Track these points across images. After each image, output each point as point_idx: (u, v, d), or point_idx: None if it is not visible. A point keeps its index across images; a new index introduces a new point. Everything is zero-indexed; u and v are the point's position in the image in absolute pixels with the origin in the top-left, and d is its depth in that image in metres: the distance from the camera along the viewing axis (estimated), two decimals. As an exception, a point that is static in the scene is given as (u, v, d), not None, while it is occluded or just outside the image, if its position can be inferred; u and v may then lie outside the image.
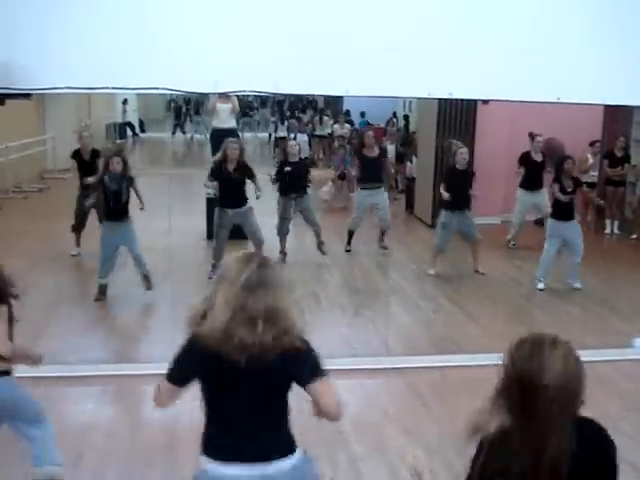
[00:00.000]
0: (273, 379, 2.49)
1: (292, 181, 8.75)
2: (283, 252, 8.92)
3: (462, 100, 9.50)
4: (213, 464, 2.52)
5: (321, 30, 5.14)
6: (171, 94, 13.11)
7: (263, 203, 8.16)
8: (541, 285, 7.94)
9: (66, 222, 8.86)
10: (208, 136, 14.95)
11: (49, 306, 6.91)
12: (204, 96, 14.43)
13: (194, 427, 2.75)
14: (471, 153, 9.30)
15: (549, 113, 9.32)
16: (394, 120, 18.48)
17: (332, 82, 5.34)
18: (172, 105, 25.02)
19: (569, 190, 7.74)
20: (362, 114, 19.28)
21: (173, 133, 23.67)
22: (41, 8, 4.95)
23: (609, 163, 10.76)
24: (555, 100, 5.61)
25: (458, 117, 10.94)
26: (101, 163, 7.38)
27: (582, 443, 1.86)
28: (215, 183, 8.15)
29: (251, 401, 2.50)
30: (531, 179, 9.50)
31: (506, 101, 6.18)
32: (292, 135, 16.93)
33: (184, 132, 23.10)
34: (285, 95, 18.28)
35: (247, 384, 2.47)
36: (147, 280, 7.42)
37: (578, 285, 7.94)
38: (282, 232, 8.87)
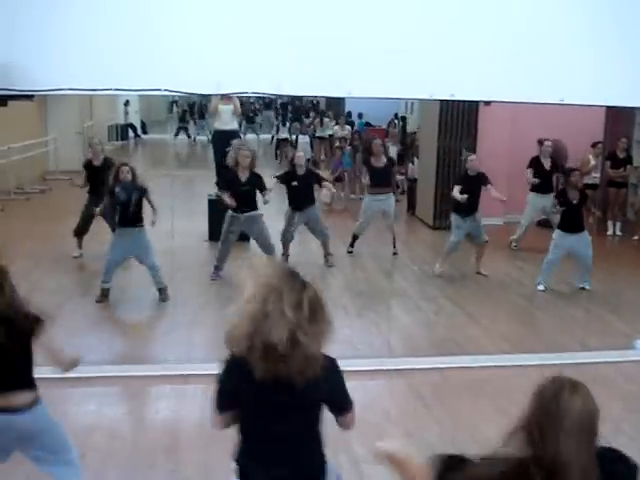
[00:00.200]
0: (305, 403, 2.47)
1: (299, 195, 8.76)
2: (285, 255, 8.92)
3: (464, 102, 9.52)
4: None
5: (324, 32, 5.16)
6: (173, 96, 13.10)
7: (269, 206, 8.15)
8: (541, 287, 7.95)
9: (68, 223, 8.85)
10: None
11: (51, 307, 6.88)
12: (206, 98, 14.41)
13: (196, 429, 2.75)
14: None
15: (551, 114, 9.35)
16: (396, 122, 18.50)
17: (335, 83, 5.35)
18: (176, 109, 24.98)
19: (574, 202, 7.72)
20: (360, 115, 19.29)
21: (176, 135, 23.65)
22: (42, 9, 4.97)
23: (611, 164, 10.76)
24: (558, 101, 5.62)
25: (460, 118, 10.95)
26: (111, 173, 7.25)
27: (605, 471, 1.89)
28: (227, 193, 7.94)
29: (285, 423, 2.45)
30: (541, 183, 9.52)
31: (508, 102, 6.18)
32: (294, 137, 16.98)
33: (189, 136, 23.08)
34: (288, 97, 18.31)
35: (280, 405, 2.42)
36: (163, 292, 7.21)
37: (587, 286, 7.95)
38: (286, 238, 8.89)
